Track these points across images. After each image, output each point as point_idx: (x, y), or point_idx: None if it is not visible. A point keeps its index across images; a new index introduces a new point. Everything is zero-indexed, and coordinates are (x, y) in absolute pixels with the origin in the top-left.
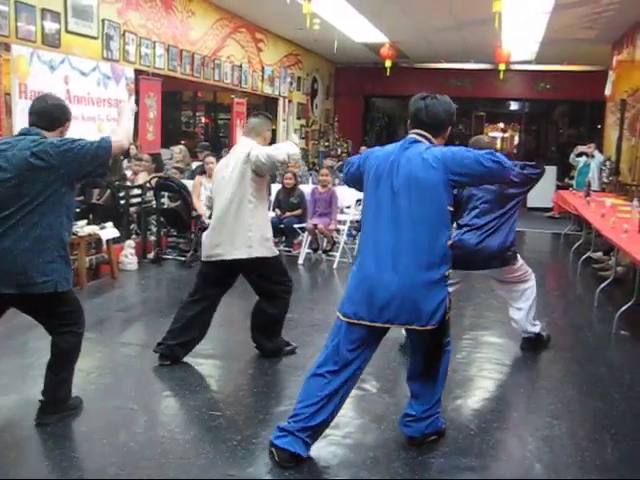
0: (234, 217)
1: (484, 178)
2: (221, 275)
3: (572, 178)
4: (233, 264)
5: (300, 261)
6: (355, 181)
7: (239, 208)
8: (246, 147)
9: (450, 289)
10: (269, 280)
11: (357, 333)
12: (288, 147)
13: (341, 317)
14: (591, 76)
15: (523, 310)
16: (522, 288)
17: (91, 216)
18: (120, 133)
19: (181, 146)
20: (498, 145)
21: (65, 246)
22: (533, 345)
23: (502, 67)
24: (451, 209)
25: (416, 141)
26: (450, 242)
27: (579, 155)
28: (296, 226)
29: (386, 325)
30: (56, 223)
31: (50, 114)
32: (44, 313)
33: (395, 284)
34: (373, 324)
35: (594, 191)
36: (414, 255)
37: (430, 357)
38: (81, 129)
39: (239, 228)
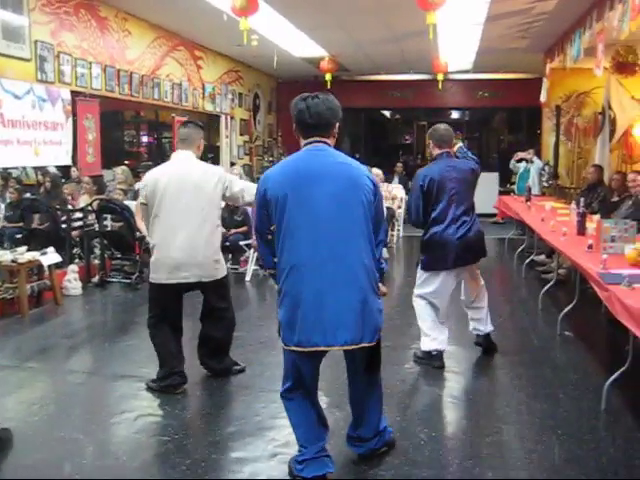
0: (206, 239)
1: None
2: (179, 296)
3: (513, 184)
4: (197, 285)
5: (247, 278)
6: (266, 207)
7: (212, 231)
8: (201, 166)
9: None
10: (225, 299)
11: (312, 363)
12: None
13: (293, 348)
14: (527, 83)
15: (485, 308)
16: (481, 284)
17: (32, 242)
18: None
19: (123, 167)
20: None
21: None
22: (490, 342)
23: (440, 77)
24: None
25: (323, 149)
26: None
27: (519, 161)
28: (242, 243)
29: (344, 347)
30: None
31: None
32: None
33: (343, 303)
34: (330, 348)
35: (534, 195)
36: (354, 271)
37: (372, 369)
38: (17, 154)
39: (209, 250)
